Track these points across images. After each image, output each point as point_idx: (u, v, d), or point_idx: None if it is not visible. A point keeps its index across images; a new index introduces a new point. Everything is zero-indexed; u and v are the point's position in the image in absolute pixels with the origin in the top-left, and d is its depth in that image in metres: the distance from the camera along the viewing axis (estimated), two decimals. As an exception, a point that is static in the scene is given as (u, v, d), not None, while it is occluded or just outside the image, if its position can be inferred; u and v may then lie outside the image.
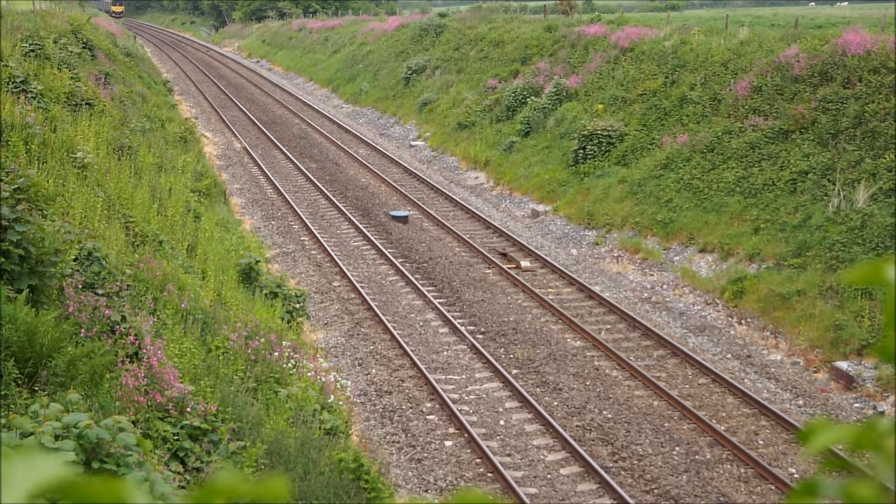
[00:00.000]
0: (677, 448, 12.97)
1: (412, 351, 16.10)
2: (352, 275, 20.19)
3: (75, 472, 0.90)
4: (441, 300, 18.87)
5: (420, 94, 40.58)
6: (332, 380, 13.05)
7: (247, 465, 8.68)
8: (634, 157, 25.07)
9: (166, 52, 74.79)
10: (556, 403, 14.37)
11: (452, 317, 17.73)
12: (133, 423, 7.27)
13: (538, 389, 14.87)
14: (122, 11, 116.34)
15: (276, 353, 11.97)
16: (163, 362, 8.94)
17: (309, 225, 24.22)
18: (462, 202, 26.76)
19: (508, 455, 12.75)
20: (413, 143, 36.68)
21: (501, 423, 13.71)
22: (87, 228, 12.17)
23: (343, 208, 26.01)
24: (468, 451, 12.91)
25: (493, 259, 21.20)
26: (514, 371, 15.53)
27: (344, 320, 17.92)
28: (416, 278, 20.03)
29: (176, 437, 8.28)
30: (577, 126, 27.72)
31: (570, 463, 12.54)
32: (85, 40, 31.40)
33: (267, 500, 0.91)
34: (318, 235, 23.22)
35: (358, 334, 17.20)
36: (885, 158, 18.46)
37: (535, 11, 51.00)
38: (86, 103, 20.44)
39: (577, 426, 13.63)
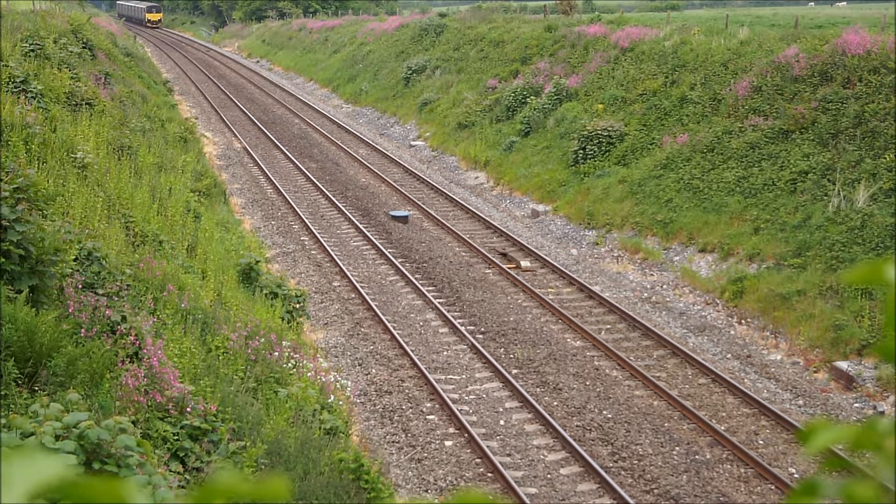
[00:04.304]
0: (677, 448, 12.97)
1: (412, 351, 16.10)
2: (352, 275, 20.19)
3: (75, 472, 0.90)
4: (441, 300, 18.87)
5: (420, 94, 40.57)
6: (332, 380, 13.04)
7: (247, 465, 8.67)
8: (634, 157, 25.07)
9: (166, 52, 74.76)
10: (556, 403, 14.37)
11: (452, 317, 17.72)
12: (133, 423, 7.27)
13: (538, 389, 14.87)
14: (160, 20, 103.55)
15: (276, 353, 11.97)
16: (163, 362, 8.93)
17: (309, 225, 24.21)
18: (462, 202, 26.75)
19: (508, 455, 12.75)
20: (413, 143, 36.68)
21: (501, 422, 13.71)
22: (87, 228, 12.17)
23: (343, 208, 26.00)
24: (468, 451, 12.91)
25: (493, 259, 21.20)
26: (514, 371, 15.52)
27: (344, 320, 17.92)
28: (416, 278, 20.03)
29: (176, 437, 8.28)
30: (577, 126, 27.72)
31: (570, 463, 12.54)
32: (85, 40, 31.40)
33: (267, 500, 0.91)
34: (318, 235, 23.21)
35: (358, 334, 17.20)
36: (885, 158, 18.46)
37: (535, 11, 51.01)
38: (86, 103, 20.43)
39: (577, 426, 13.63)
